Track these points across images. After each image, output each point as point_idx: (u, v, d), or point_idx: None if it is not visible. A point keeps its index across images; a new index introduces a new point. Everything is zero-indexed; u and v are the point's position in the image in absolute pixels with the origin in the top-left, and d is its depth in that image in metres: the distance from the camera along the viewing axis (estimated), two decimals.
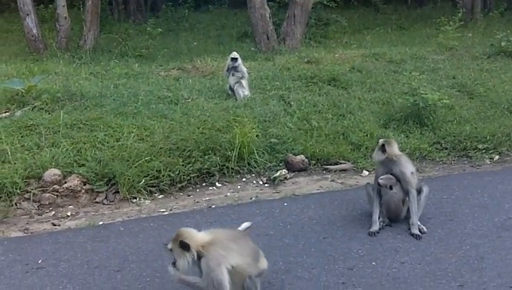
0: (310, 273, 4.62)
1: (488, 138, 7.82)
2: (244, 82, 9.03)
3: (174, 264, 3.86)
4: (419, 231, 5.29)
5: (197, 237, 3.89)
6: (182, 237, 3.83)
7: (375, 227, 5.37)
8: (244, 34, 16.09)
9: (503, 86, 9.86)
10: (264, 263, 4.14)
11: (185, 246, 3.78)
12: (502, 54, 12.10)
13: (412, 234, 5.26)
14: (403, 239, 5.22)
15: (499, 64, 11.42)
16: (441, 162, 7.48)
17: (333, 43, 15.19)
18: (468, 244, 5.07)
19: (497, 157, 7.62)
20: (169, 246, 3.87)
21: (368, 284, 4.44)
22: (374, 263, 4.77)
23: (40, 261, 4.88)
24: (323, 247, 5.08)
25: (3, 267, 4.81)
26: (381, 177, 5.46)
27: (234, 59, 9.05)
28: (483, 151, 7.64)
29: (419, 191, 5.53)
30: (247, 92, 8.94)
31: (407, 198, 5.46)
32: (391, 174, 5.45)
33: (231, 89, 9.03)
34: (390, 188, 5.43)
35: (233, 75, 8.98)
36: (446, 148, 7.74)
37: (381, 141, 5.61)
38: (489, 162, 7.49)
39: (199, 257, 3.80)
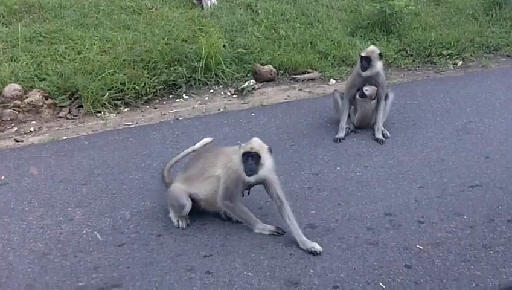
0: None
1: (452, 44, 7.87)
2: None
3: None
4: (383, 135, 5.40)
5: None
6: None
7: (342, 133, 5.44)
8: None
9: None
10: None
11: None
12: None
13: (376, 139, 5.37)
14: (367, 144, 5.33)
15: None
16: (406, 69, 7.54)
17: None
18: (430, 148, 5.21)
19: (460, 63, 7.71)
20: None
21: (333, 187, 4.56)
22: (338, 168, 4.88)
23: (3, 178, 4.78)
24: (289, 154, 5.15)
25: None
26: (367, 88, 5.44)
27: None
28: (447, 57, 7.72)
29: (385, 98, 5.58)
30: (214, 1, 8.64)
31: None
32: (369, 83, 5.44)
33: None
34: (374, 98, 5.46)
35: None
36: (411, 55, 7.77)
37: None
38: (452, 68, 7.58)
39: None
